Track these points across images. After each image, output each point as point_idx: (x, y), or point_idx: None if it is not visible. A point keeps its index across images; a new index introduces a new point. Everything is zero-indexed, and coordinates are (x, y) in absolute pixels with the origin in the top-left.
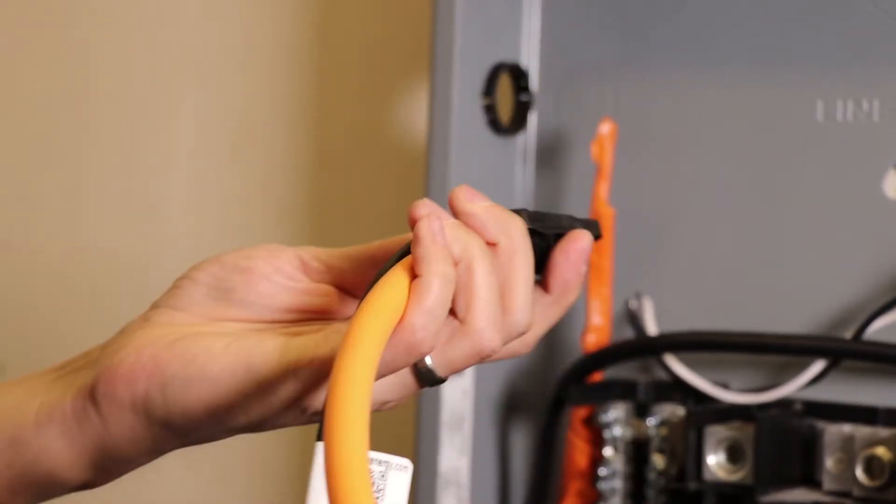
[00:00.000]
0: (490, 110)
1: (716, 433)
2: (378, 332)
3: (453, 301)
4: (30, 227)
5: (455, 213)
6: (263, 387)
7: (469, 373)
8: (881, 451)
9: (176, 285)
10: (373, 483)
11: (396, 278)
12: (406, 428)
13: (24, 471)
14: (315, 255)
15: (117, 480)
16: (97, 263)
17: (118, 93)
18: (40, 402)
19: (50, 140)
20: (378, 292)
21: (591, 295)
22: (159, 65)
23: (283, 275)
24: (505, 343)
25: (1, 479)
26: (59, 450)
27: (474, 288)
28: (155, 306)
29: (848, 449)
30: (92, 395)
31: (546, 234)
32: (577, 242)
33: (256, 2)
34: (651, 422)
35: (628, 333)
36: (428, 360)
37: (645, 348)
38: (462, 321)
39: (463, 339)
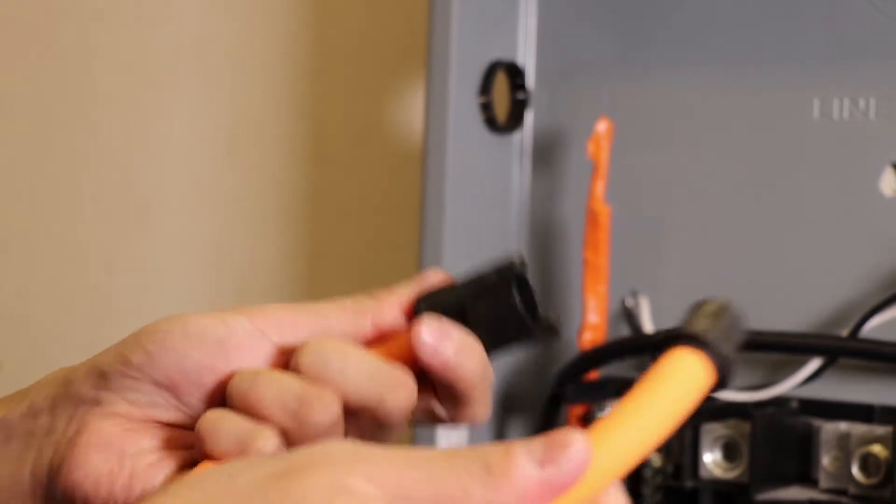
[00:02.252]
0: (486, 108)
1: (712, 431)
2: None
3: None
4: (26, 225)
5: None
6: None
7: None
8: (877, 449)
9: (130, 373)
10: None
11: None
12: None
13: None
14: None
15: None
16: (93, 260)
17: (113, 90)
18: None
19: (45, 138)
20: None
21: (587, 293)
22: (154, 62)
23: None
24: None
25: None
26: None
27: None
28: (106, 382)
29: (844, 447)
30: (51, 496)
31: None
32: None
33: None
34: None
35: (625, 331)
36: None
37: (641, 346)
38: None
39: None
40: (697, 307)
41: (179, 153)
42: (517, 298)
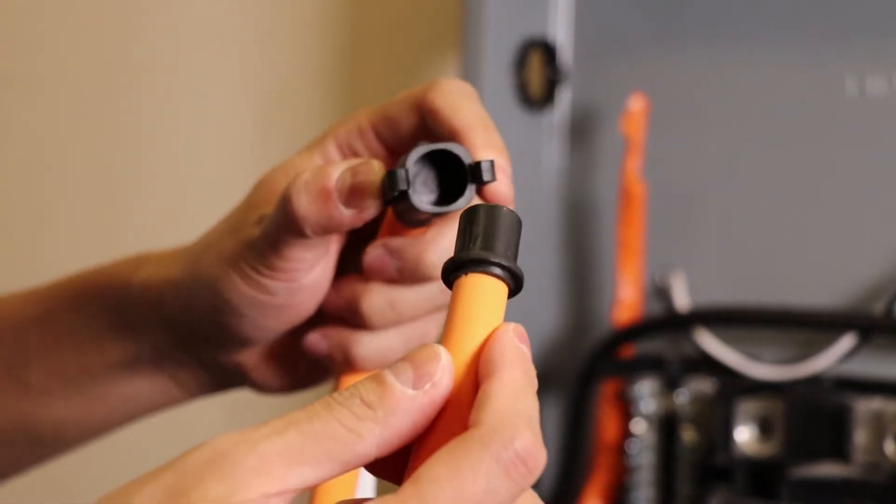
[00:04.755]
0: (520, 86)
1: (745, 408)
2: None
3: None
4: (63, 203)
5: None
6: None
7: None
8: None
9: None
10: None
11: None
12: None
13: None
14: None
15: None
16: (129, 237)
17: (150, 68)
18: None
19: (80, 117)
20: None
21: (620, 270)
22: (188, 38)
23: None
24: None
25: None
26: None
27: None
28: None
29: (878, 423)
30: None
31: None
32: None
33: None
34: (681, 396)
35: (658, 308)
36: None
37: (675, 323)
38: None
39: None
40: (470, 221)
41: (213, 131)
42: (426, 201)
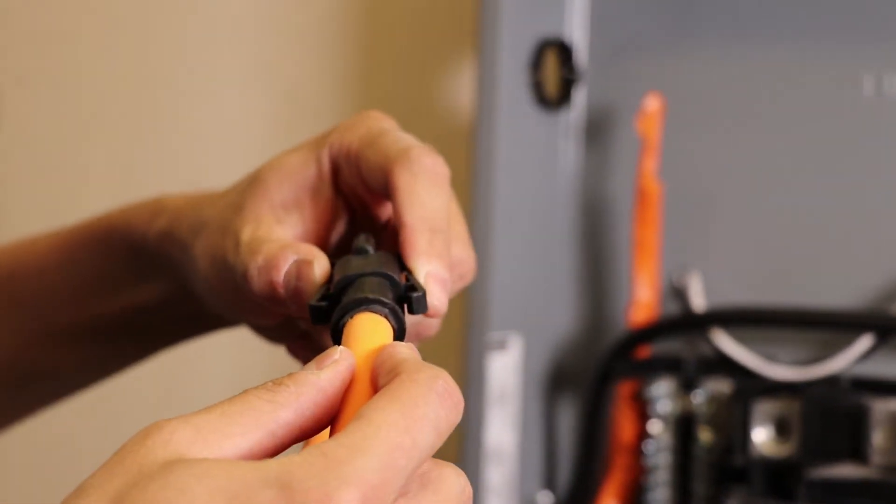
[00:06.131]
0: (536, 85)
1: (762, 408)
2: None
3: None
4: (76, 200)
5: None
6: None
7: (516, 348)
8: None
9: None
10: None
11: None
12: None
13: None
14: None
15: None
16: None
17: (163, 68)
18: None
19: (96, 114)
20: None
21: (637, 270)
22: (202, 39)
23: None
24: None
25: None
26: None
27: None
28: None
29: (895, 424)
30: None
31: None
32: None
33: None
34: (697, 397)
35: (675, 308)
36: None
37: (692, 323)
38: None
39: None
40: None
41: (228, 130)
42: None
